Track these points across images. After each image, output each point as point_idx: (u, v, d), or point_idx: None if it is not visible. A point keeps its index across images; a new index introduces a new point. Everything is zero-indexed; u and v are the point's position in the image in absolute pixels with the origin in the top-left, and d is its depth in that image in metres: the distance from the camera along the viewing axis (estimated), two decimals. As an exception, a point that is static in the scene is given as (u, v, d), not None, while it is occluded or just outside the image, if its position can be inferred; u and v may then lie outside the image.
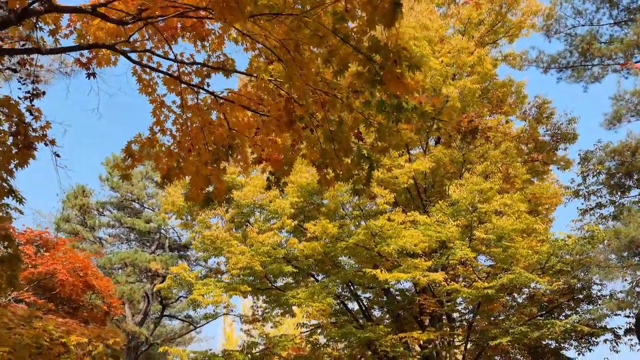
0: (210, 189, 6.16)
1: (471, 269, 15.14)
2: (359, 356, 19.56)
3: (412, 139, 15.65)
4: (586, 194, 18.96)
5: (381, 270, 13.72)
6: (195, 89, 6.04)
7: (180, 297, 24.84)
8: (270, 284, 16.39)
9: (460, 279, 15.88)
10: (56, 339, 9.86)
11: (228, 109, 6.07)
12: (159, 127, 6.17)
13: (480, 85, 17.15)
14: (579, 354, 16.06)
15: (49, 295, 14.32)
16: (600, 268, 13.57)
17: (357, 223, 15.69)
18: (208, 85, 6.03)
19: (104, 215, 25.22)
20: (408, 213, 14.30)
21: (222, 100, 6.06)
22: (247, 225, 15.85)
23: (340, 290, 18.11)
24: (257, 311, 21.26)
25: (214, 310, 15.35)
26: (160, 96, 6.23)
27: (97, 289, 14.49)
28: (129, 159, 5.98)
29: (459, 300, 16.77)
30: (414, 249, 13.71)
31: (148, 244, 25.71)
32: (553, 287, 14.34)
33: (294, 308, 19.60)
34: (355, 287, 18.69)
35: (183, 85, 6.03)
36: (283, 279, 18.24)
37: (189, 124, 6.14)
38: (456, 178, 16.65)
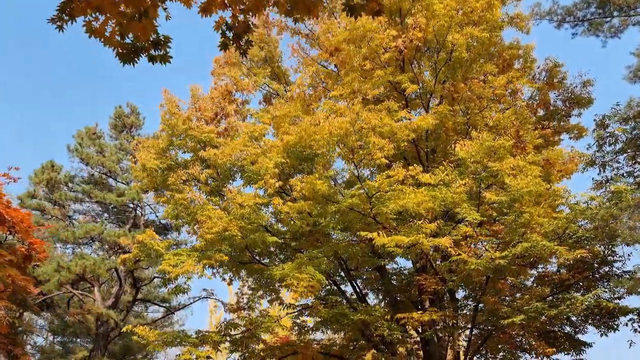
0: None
1: (480, 235, 13.25)
2: (352, 342, 17.66)
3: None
4: (602, 163, 17.19)
5: (378, 234, 11.79)
6: None
7: (155, 277, 22.82)
8: (251, 257, 14.40)
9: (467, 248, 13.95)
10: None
11: None
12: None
13: (490, 36, 15.31)
14: (601, 335, 14.21)
15: None
16: (631, 230, 11.74)
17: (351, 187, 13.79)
18: None
19: (72, 190, 23.13)
20: (410, 167, 12.37)
21: None
22: (225, 188, 13.87)
23: (330, 266, 16.18)
24: (242, 299, 19.32)
25: (185, 283, 13.32)
26: None
27: (10, 223, 12.26)
28: None
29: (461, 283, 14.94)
30: (416, 209, 11.81)
31: (122, 223, 23.66)
32: (575, 256, 12.47)
33: (282, 293, 17.70)
34: (347, 263, 16.78)
35: None
36: (267, 258, 16.32)
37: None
38: (462, 139, 14.78)
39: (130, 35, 3.94)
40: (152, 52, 4.09)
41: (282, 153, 14.02)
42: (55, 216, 22.24)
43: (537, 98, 18.97)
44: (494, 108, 16.11)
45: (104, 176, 23.53)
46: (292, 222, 13.33)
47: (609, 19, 16.04)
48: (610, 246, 14.01)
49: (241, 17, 4.19)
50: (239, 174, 14.76)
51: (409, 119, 12.93)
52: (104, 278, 20.37)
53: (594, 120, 17.11)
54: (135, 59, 4.08)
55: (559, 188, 13.34)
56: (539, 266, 15.71)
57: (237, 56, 21.42)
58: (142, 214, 23.85)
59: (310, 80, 15.30)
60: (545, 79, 18.70)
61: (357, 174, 12.79)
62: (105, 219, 24.15)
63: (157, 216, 23.74)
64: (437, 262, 15.74)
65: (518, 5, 19.46)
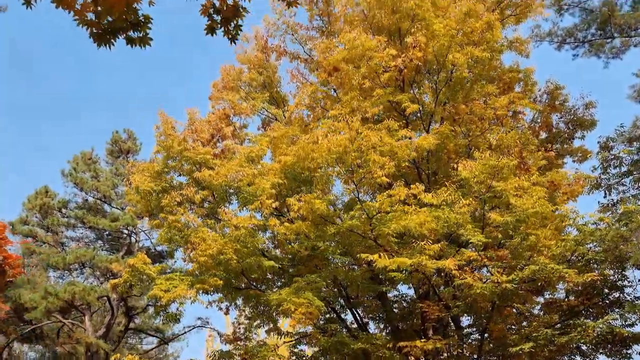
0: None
1: (485, 259, 12.73)
2: (351, 373, 16.89)
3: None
4: (608, 186, 16.79)
5: (379, 256, 11.28)
6: None
7: (149, 305, 22.08)
8: (248, 282, 13.83)
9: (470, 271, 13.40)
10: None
11: None
12: None
13: (491, 57, 15.11)
14: (614, 364, 13.52)
15: None
16: (643, 252, 11.24)
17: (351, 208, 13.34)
18: None
19: (66, 216, 22.60)
20: (412, 186, 11.94)
21: None
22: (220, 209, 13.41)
23: (330, 293, 15.58)
24: (239, 329, 18.64)
25: (177, 309, 12.71)
26: None
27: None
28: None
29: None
30: (419, 230, 11.33)
31: (116, 250, 23.05)
32: (585, 279, 11.93)
33: (280, 324, 17.06)
34: (347, 290, 16.18)
35: None
36: (264, 285, 15.73)
37: None
38: (464, 160, 14.40)
39: (108, 17, 3.58)
40: (131, 33, 3.74)
41: (279, 174, 13.63)
42: (47, 243, 21.69)
43: (539, 120, 18.71)
44: (496, 130, 15.80)
45: (98, 201, 23.08)
46: (289, 245, 12.82)
47: (610, 39, 15.91)
48: (620, 270, 13.47)
49: (230, 1, 3.85)
50: (235, 196, 14.34)
51: (410, 138, 12.57)
52: (95, 306, 19.66)
53: (598, 142, 16.79)
54: (112, 40, 3.72)
55: (566, 208, 12.89)
56: (546, 293, 15.13)
57: (235, 80, 21.31)
58: (136, 241, 23.29)
59: (308, 100, 15.03)
60: (546, 101, 18.48)
61: (356, 194, 12.37)
62: (99, 247, 23.58)
63: (152, 242, 23.19)
64: (441, 289, 15.18)
65: (517, 30, 19.41)
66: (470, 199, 12.36)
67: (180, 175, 15.77)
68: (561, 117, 18.17)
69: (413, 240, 11.70)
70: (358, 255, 11.87)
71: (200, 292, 12.85)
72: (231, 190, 14.10)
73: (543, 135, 18.58)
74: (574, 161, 18.35)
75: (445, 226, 12.36)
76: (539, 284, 13.65)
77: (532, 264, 12.38)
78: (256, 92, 21.23)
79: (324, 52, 14.20)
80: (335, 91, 16.85)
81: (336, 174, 12.40)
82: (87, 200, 23.18)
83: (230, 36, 4.12)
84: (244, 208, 13.44)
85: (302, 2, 21.12)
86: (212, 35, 4.00)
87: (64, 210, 22.50)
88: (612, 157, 16.17)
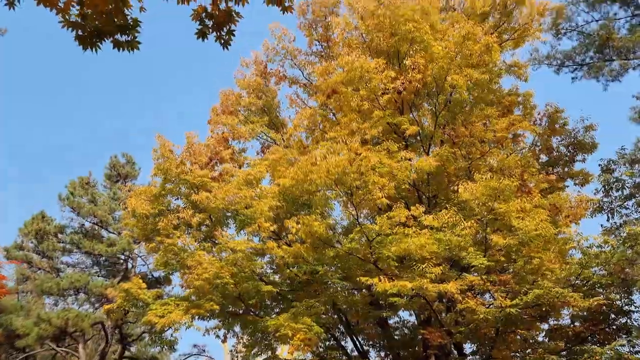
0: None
1: (488, 283, 12.42)
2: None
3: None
4: (610, 209, 16.59)
5: (380, 279, 11.00)
6: None
7: (144, 333, 21.55)
8: (244, 306, 13.48)
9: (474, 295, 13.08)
10: None
11: None
12: None
13: (490, 78, 15.09)
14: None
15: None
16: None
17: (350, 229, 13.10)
18: None
19: (62, 242, 22.27)
20: (412, 208, 11.73)
21: None
22: (217, 232, 13.16)
23: (330, 320, 15.20)
24: (237, 357, 18.20)
25: (172, 335, 12.35)
26: None
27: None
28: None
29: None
30: (420, 253, 11.07)
31: (113, 276, 22.65)
32: (591, 304, 11.62)
33: (279, 352, 16.62)
34: (347, 316, 15.82)
35: None
36: (262, 311, 15.35)
37: None
38: (465, 182, 14.21)
39: (95, 19, 3.44)
40: (118, 37, 3.60)
41: (277, 197, 13.45)
42: (42, 268, 21.33)
43: (539, 144, 18.60)
44: (496, 153, 15.67)
45: (95, 226, 22.79)
46: (288, 270, 12.54)
47: (608, 62, 15.93)
48: (627, 294, 13.16)
49: (223, 6, 3.73)
50: (233, 219, 14.11)
51: (410, 159, 12.42)
52: (89, 333, 19.19)
53: (599, 165, 16.64)
54: (98, 43, 3.58)
55: (569, 231, 12.65)
56: (551, 319, 14.75)
57: (234, 104, 21.30)
58: (133, 266, 22.92)
59: (307, 122, 14.94)
60: (546, 124, 18.40)
61: (356, 215, 12.14)
62: (95, 273, 23.20)
63: (148, 268, 22.82)
64: (442, 315, 14.84)
65: (515, 54, 19.50)
66: (472, 221, 12.13)
67: (177, 198, 15.58)
68: (561, 140, 18.05)
69: (414, 264, 11.43)
70: (358, 279, 11.59)
71: (196, 317, 12.51)
72: (229, 213, 13.88)
73: (544, 158, 18.45)
74: (575, 184, 18.15)
75: (447, 249, 12.11)
76: (544, 309, 13.29)
77: (536, 288, 12.08)
78: (255, 117, 21.19)
79: (323, 74, 14.18)
80: (334, 115, 16.81)
81: (335, 196, 12.19)
82: (83, 225, 22.93)
83: (222, 41, 3.99)
84: (242, 231, 13.20)
85: (301, 27, 21.31)
86: (203, 40, 3.87)
87: (60, 236, 22.20)
88: (614, 179, 16.01)
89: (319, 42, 21.44)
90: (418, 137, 15.29)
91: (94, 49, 3.64)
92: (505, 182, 12.57)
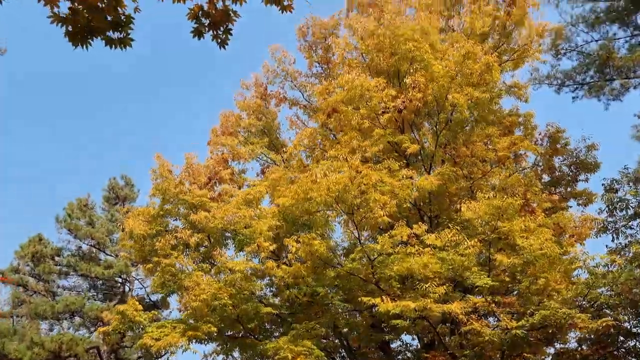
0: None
1: (493, 304, 12.12)
2: None
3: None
4: (615, 229, 16.33)
5: (382, 300, 10.71)
6: None
7: (140, 358, 21.02)
8: (243, 329, 13.14)
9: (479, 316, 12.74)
10: None
11: None
12: None
13: (490, 98, 15.04)
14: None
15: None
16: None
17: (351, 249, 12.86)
18: None
19: (58, 264, 21.92)
20: (414, 226, 11.51)
21: None
22: (215, 252, 12.90)
23: (331, 344, 14.83)
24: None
25: (168, 359, 11.97)
26: None
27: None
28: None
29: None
30: (423, 272, 10.81)
31: (109, 300, 22.25)
32: (599, 325, 11.31)
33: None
34: (348, 340, 15.42)
35: None
36: (262, 335, 14.97)
37: None
38: (467, 200, 14.02)
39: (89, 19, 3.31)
40: (110, 33, 3.48)
41: (277, 216, 13.24)
42: (38, 292, 20.97)
43: (541, 164, 18.48)
44: (498, 172, 15.52)
45: (93, 249, 22.50)
46: (287, 291, 12.24)
47: (609, 82, 15.90)
48: (635, 315, 12.82)
49: (220, 5, 3.62)
50: (232, 240, 13.88)
51: (411, 177, 12.25)
52: (84, 358, 18.70)
53: (603, 184, 16.45)
54: (89, 39, 3.45)
55: (575, 250, 12.40)
56: (557, 342, 14.38)
57: (234, 126, 21.26)
58: (130, 289, 22.54)
59: (307, 141, 14.83)
60: (547, 144, 18.31)
61: (357, 234, 11.92)
62: (92, 296, 22.78)
63: (146, 292, 22.43)
64: (446, 338, 14.48)
65: (515, 75, 19.52)
66: (475, 240, 11.90)
67: (176, 219, 15.38)
68: (563, 160, 17.93)
69: (417, 283, 11.16)
70: (360, 299, 11.30)
71: (194, 341, 12.16)
72: (228, 234, 13.65)
73: (546, 178, 18.30)
74: (578, 204, 17.96)
75: (450, 269, 11.84)
76: (550, 331, 12.96)
77: (542, 308, 11.78)
78: (255, 138, 21.14)
79: (323, 94, 14.12)
80: (335, 136, 16.73)
81: (336, 215, 11.97)
82: (80, 247, 22.63)
83: (219, 40, 3.87)
84: (241, 252, 12.95)
85: (301, 49, 21.41)
86: (199, 38, 3.74)
87: (57, 258, 21.89)
88: (618, 199, 15.80)
89: (319, 63, 21.52)
90: (419, 157, 15.17)
91: (84, 46, 3.51)
92: (509, 200, 12.38)
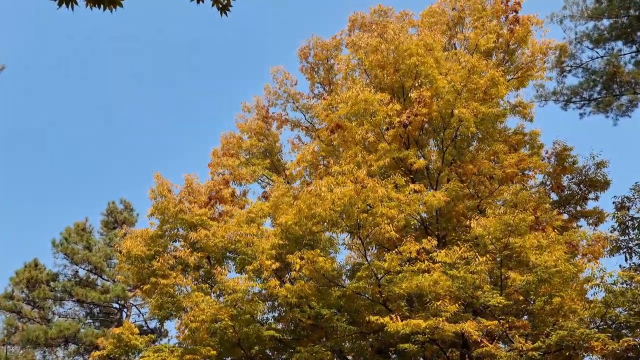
0: None
1: (507, 324, 11.54)
2: None
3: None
4: (628, 248, 15.82)
5: (391, 318, 10.16)
6: None
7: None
8: (243, 354, 12.50)
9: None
10: None
11: None
12: None
13: (496, 114, 14.75)
14: None
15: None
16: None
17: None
18: None
19: (53, 289, 21.21)
20: (423, 240, 11.03)
21: None
22: (215, 271, 12.37)
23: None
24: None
25: (164, 385, 11.30)
26: None
27: None
28: None
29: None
30: (433, 289, 10.29)
31: (106, 328, 21.50)
32: (621, 345, 10.70)
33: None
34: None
35: None
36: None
37: None
38: (476, 216, 13.56)
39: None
40: (98, -8, 3.14)
41: (280, 235, 12.77)
42: (32, 319, 20.27)
43: (548, 183, 18.07)
44: (506, 190, 15.11)
45: (90, 274, 21.86)
46: (291, 312, 11.68)
47: (617, 97, 15.63)
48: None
49: (222, -31, 3.29)
50: (232, 260, 13.37)
51: (419, 191, 11.83)
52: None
53: (614, 202, 16.00)
54: (75, -1, 3.10)
55: (592, 266, 11.84)
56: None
57: (235, 147, 20.97)
58: (127, 316, 21.80)
59: (310, 157, 14.46)
60: (555, 162, 17.92)
61: (363, 251, 11.42)
62: (88, 324, 22.02)
63: (144, 318, 21.72)
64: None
65: (519, 95, 19.28)
66: (487, 256, 11.40)
67: (175, 240, 14.91)
68: (572, 178, 17.48)
69: (427, 301, 10.60)
70: (367, 319, 10.72)
71: (192, 365, 11.52)
72: (229, 253, 13.16)
73: (554, 197, 17.85)
74: (589, 224, 17.44)
75: (461, 288, 11.29)
76: (567, 354, 12.32)
77: (558, 329, 11.19)
78: (257, 159, 20.84)
79: (326, 109, 13.83)
80: (337, 156, 16.39)
81: (341, 231, 11.47)
82: (77, 272, 22.01)
83: (220, 6, 3.54)
84: (242, 272, 12.44)
85: (303, 70, 21.29)
86: (198, 3, 3.41)
87: (52, 284, 21.25)
88: (629, 217, 15.34)
89: (321, 84, 21.38)
90: (425, 174, 14.79)
91: (69, 6, 3.17)
92: (520, 215, 11.94)
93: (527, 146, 18.63)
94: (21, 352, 19.53)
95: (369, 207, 10.86)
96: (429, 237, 11.26)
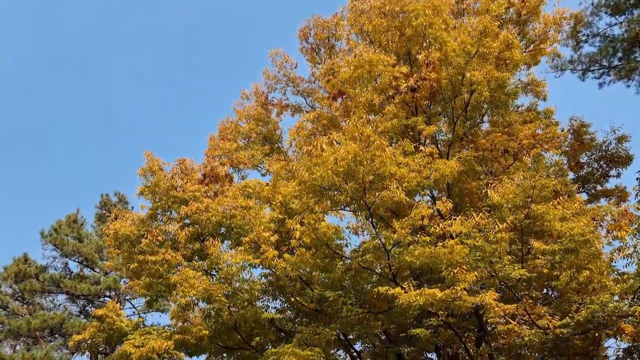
0: None
1: (530, 300, 10.42)
2: None
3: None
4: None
5: (403, 289, 9.06)
6: None
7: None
8: (241, 340, 11.37)
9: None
10: None
11: None
12: None
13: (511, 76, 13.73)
14: None
15: None
16: None
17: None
18: None
19: (41, 280, 20.06)
20: (437, 203, 9.95)
21: None
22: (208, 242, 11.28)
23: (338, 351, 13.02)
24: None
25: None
26: None
27: None
28: None
29: None
30: (449, 258, 9.19)
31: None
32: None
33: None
34: (360, 355, 13.62)
35: None
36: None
37: None
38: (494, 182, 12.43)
39: None
40: None
41: (279, 208, 11.73)
42: (20, 314, 19.20)
43: (565, 162, 16.99)
44: (521, 166, 14.05)
45: (80, 265, 20.81)
46: (290, 285, 10.58)
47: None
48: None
49: None
50: (228, 236, 12.31)
51: (431, 155, 10.77)
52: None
53: (637, 178, 14.92)
54: None
55: (623, 235, 10.71)
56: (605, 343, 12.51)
57: (233, 132, 20.00)
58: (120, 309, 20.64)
59: (311, 126, 13.45)
60: (572, 140, 16.85)
61: (370, 220, 10.33)
62: (76, 316, 20.85)
63: (137, 310, 20.57)
64: (470, 352, 12.69)
65: (530, 73, 18.24)
66: (506, 224, 10.30)
67: (168, 223, 13.87)
68: (591, 155, 16.41)
69: (443, 269, 9.47)
70: (375, 293, 9.59)
71: (183, 349, 10.44)
72: (223, 230, 12.10)
73: (572, 176, 16.77)
74: (610, 203, 16.32)
75: (479, 259, 10.18)
76: (596, 334, 11.17)
77: (589, 304, 10.07)
78: (256, 145, 19.91)
79: (328, 74, 12.84)
80: (339, 128, 15.37)
81: (344, 199, 10.34)
82: (67, 264, 20.97)
83: None
84: (238, 246, 11.36)
85: (303, 52, 20.34)
86: None
87: (40, 277, 20.16)
88: (655, 195, 14.24)
89: (322, 65, 20.45)
90: (434, 144, 13.74)
91: None
92: (542, 181, 10.87)
93: (542, 125, 17.61)
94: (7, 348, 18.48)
95: (375, 173, 9.79)
96: (444, 199, 10.16)
